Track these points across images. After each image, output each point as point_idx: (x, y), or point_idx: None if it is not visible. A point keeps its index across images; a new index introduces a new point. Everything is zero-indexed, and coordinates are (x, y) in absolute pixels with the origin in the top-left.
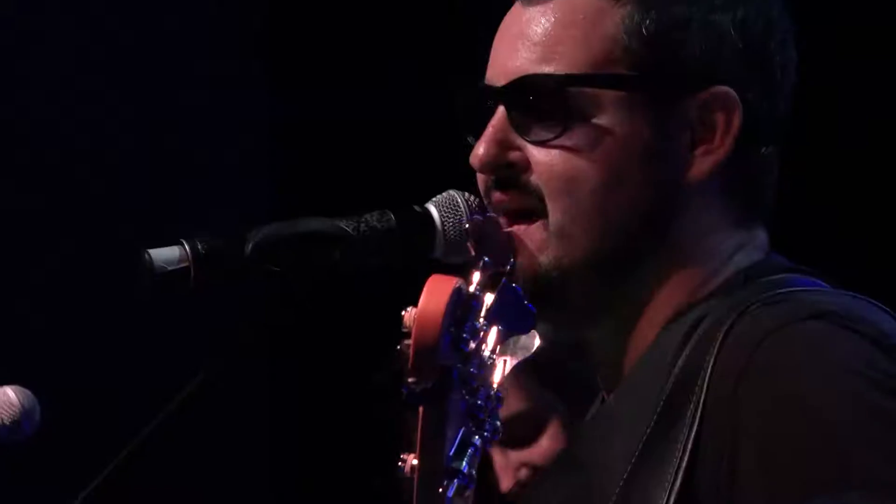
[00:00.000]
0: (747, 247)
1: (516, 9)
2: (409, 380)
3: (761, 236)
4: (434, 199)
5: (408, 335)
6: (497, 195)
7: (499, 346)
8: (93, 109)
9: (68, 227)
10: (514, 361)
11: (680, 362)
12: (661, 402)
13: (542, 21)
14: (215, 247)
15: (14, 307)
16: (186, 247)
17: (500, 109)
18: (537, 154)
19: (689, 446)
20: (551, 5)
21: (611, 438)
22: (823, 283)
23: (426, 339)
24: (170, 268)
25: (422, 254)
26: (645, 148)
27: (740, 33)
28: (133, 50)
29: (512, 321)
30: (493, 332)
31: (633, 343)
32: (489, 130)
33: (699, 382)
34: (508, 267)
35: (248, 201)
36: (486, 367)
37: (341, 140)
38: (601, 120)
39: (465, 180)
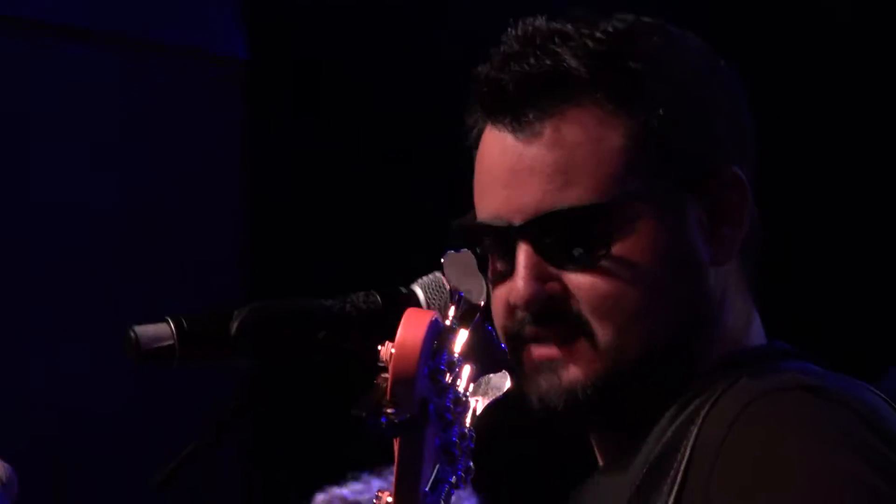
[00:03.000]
0: (752, 326)
1: (508, 143)
2: (388, 411)
3: (755, 315)
4: (420, 280)
5: (385, 369)
6: (533, 329)
7: (471, 385)
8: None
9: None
10: (487, 401)
11: (668, 434)
12: (643, 473)
13: (547, 152)
14: (200, 325)
15: None
16: (172, 324)
17: (525, 248)
18: (577, 280)
19: None
20: (549, 134)
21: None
22: (823, 369)
23: (404, 370)
24: (155, 345)
25: None
26: (678, 245)
27: (725, 105)
28: (114, 124)
29: (484, 359)
30: (467, 370)
31: (632, 431)
32: (522, 269)
33: (681, 452)
34: (482, 302)
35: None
36: (461, 403)
37: (325, 220)
38: (635, 233)
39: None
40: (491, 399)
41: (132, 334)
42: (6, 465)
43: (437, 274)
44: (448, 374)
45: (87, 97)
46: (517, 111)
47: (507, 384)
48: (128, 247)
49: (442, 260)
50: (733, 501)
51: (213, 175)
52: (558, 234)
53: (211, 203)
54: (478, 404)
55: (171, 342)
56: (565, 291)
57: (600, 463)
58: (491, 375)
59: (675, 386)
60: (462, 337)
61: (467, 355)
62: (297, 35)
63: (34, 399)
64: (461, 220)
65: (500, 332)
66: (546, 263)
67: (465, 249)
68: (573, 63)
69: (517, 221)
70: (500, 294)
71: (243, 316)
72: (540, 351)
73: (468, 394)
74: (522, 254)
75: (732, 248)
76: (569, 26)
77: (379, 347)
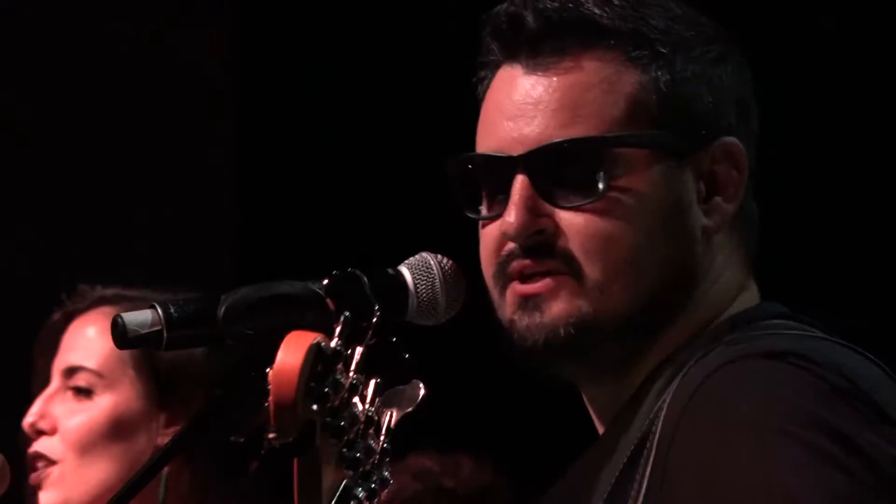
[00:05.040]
0: (745, 293)
1: (520, 77)
2: (270, 436)
3: (754, 284)
4: (407, 261)
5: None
6: (520, 262)
7: (380, 398)
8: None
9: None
10: (402, 413)
11: (655, 407)
12: (632, 446)
13: (558, 87)
14: (187, 310)
15: None
16: (159, 310)
17: (521, 178)
18: (570, 218)
19: (643, 489)
20: (562, 72)
21: (594, 478)
22: (815, 331)
23: (283, 396)
24: (142, 331)
25: (394, 316)
26: (674, 203)
27: (734, 86)
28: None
29: (390, 372)
30: (371, 385)
31: (626, 384)
32: (517, 199)
33: (655, 424)
34: (374, 320)
35: (213, 264)
36: (361, 419)
37: (312, 200)
38: (632, 179)
39: (438, 242)
40: (406, 410)
41: (119, 320)
42: None
43: (424, 255)
44: (335, 396)
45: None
46: (534, 46)
47: (422, 393)
48: (112, 216)
49: (325, 282)
50: (683, 479)
51: (204, 154)
52: (556, 169)
53: (201, 187)
54: (391, 417)
55: (158, 328)
56: (557, 228)
57: (599, 433)
58: (403, 387)
59: (656, 347)
60: (358, 355)
61: (369, 369)
62: (290, 9)
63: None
64: (459, 154)
65: (486, 274)
66: (541, 199)
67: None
68: (596, 10)
69: (517, 153)
70: (492, 230)
71: (230, 300)
72: (524, 287)
73: (375, 408)
74: (518, 185)
75: (723, 219)
76: None
77: (267, 370)
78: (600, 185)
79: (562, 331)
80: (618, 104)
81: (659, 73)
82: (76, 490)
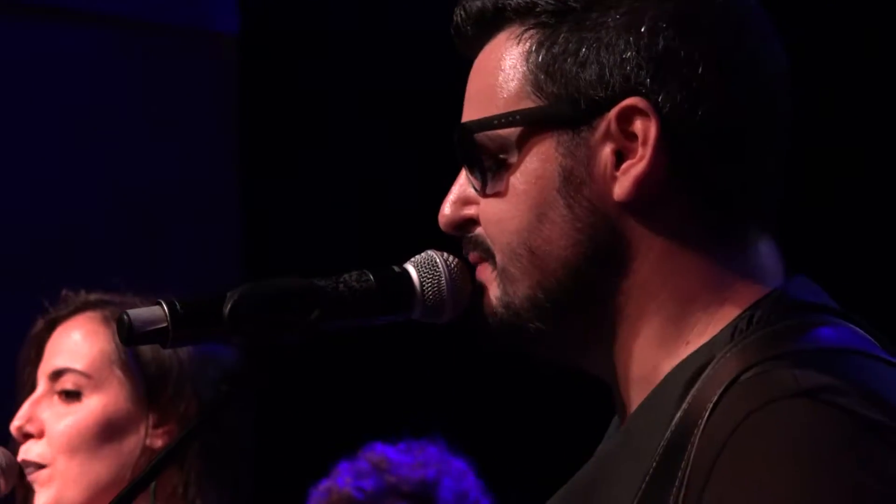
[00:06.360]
0: (748, 274)
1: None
2: None
3: (763, 255)
4: (413, 259)
5: None
6: (466, 251)
7: None
8: (59, 178)
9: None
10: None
11: (679, 415)
12: (658, 458)
13: (474, 75)
14: (193, 307)
15: None
16: (165, 307)
17: (463, 169)
18: (481, 205)
19: None
20: (480, 57)
21: (615, 480)
22: (845, 326)
23: None
24: (148, 328)
25: (400, 314)
26: (564, 178)
27: (647, 45)
28: (106, 121)
29: None
30: None
31: (634, 378)
32: (451, 189)
33: (688, 449)
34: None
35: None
36: None
37: (321, 199)
38: (516, 158)
39: (446, 240)
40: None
41: (125, 318)
42: (5, 450)
43: (430, 252)
44: None
45: (74, 77)
46: (462, 38)
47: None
48: (120, 228)
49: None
50: None
51: (207, 155)
52: (464, 158)
53: (203, 184)
54: None
55: (164, 325)
56: (479, 215)
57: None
58: None
59: (612, 321)
60: None
61: None
62: (290, 7)
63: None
64: None
65: None
66: (470, 187)
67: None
68: None
69: None
70: None
71: (236, 297)
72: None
73: None
74: (460, 175)
75: (633, 184)
76: None
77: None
78: (487, 171)
79: (498, 317)
80: (505, 84)
81: (541, 46)
82: (69, 491)
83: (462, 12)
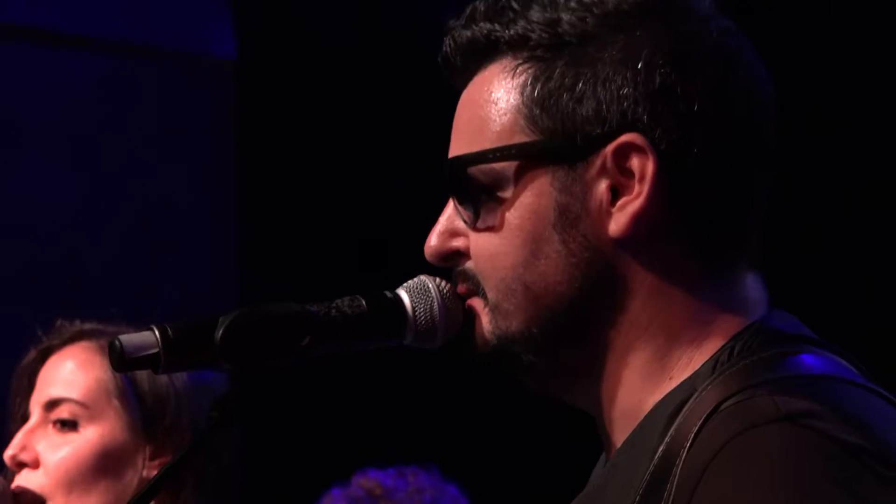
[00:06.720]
0: (731, 307)
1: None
2: None
3: (748, 288)
4: (405, 284)
5: None
6: (454, 283)
7: None
8: (65, 200)
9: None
10: None
11: (662, 447)
12: (642, 489)
13: (464, 106)
14: (185, 332)
15: None
16: (156, 332)
17: (450, 201)
18: (471, 238)
19: None
20: (470, 88)
21: None
22: (825, 355)
23: None
24: (140, 353)
25: (392, 340)
26: (560, 213)
27: (644, 80)
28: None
29: None
30: None
31: (618, 413)
32: (438, 220)
33: (671, 479)
34: None
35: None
36: None
37: (317, 222)
38: (510, 193)
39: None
40: None
41: (117, 343)
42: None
43: (423, 277)
44: None
45: (74, 101)
46: (451, 70)
47: None
48: (118, 250)
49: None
50: None
51: (205, 178)
52: (453, 190)
53: (202, 207)
54: None
55: (156, 350)
56: (468, 249)
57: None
58: None
59: (603, 353)
60: None
61: None
62: (287, 33)
63: None
64: None
65: None
66: (458, 219)
67: None
68: (487, 25)
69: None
70: None
71: (228, 323)
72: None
73: None
74: (447, 206)
75: (629, 220)
76: None
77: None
78: (480, 204)
79: (489, 350)
80: (500, 118)
81: (537, 80)
82: None
83: (452, 42)
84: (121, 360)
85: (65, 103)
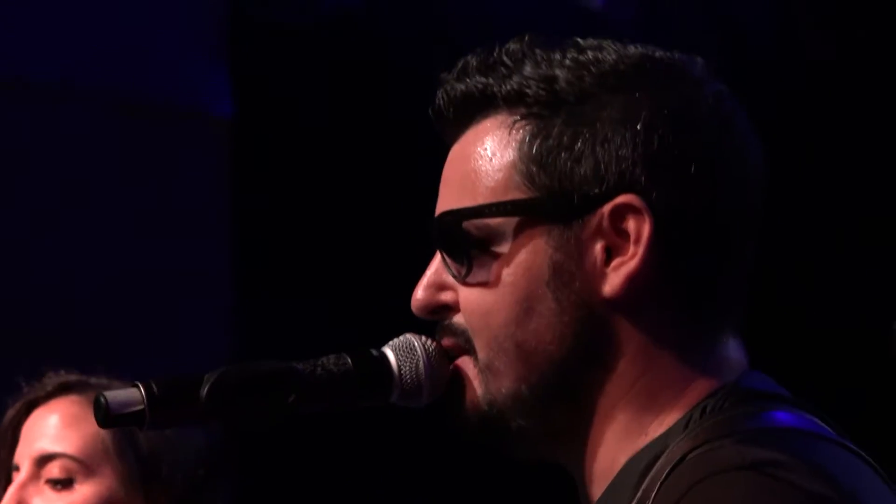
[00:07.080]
0: (709, 369)
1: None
2: None
3: (729, 349)
4: (391, 342)
5: None
6: (440, 336)
7: None
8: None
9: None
10: None
11: (634, 502)
12: None
13: (451, 160)
14: (170, 389)
15: None
16: (142, 389)
17: (437, 254)
18: (461, 293)
19: None
20: (459, 144)
21: None
22: (796, 412)
23: None
24: (125, 410)
25: (378, 398)
26: (554, 272)
27: (643, 142)
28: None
29: None
30: None
31: (597, 472)
32: (425, 274)
33: None
34: None
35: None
36: None
37: (313, 277)
38: (505, 249)
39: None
40: None
41: (102, 399)
42: None
43: (408, 336)
44: None
45: (68, 156)
46: (442, 123)
47: None
48: (111, 308)
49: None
50: None
51: (200, 233)
52: (443, 243)
53: (197, 264)
54: None
55: (141, 407)
56: (456, 303)
57: None
58: None
59: (590, 415)
60: None
61: None
62: (283, 92)
63: None
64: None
65: None
66: (447, 273)
67: None
68: (483, 79)
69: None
70: None
71: (213, 379)
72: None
73: None
74: (434, 259)
75: (622, 281)
76: (495, 53)
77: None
78: (472, 259)
79: (475, 415)
80: (496, 173)
81: (536, 137)
82: None
83: (444, 95)
84: (106, 417)
85: (59, 158)
